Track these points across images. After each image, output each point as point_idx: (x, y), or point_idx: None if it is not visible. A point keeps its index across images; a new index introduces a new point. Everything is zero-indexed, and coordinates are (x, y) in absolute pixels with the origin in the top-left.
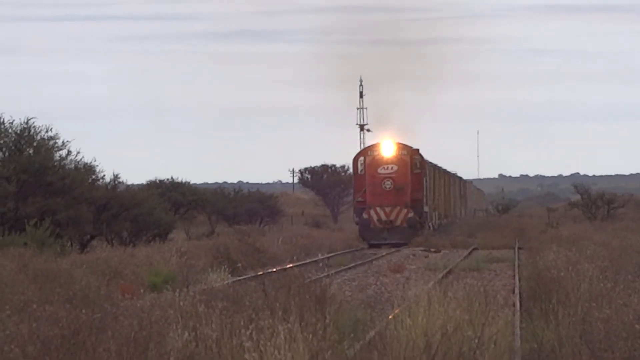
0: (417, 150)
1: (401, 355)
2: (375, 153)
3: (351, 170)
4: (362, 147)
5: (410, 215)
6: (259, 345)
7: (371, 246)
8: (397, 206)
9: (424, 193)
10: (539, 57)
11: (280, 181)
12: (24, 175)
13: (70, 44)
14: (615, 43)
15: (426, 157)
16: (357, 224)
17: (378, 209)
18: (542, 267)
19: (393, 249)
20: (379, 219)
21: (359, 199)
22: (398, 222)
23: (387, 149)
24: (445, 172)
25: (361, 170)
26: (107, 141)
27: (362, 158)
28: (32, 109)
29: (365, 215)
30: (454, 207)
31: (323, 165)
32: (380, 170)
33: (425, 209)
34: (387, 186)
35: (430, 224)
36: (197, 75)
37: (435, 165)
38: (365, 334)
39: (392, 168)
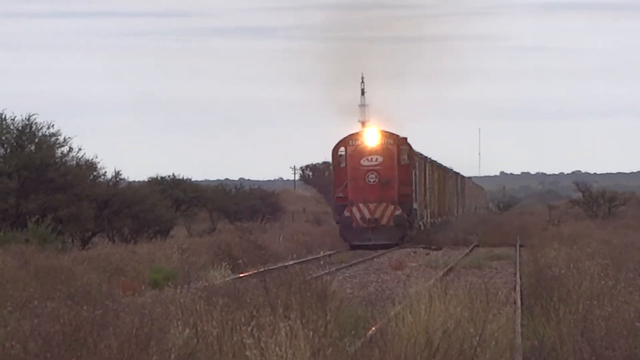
0: (405, 139)
1: (402, 352)
2: (358, 142)
3: None
4: None
5: (398, 212)
6: (260, 342)
7: (353, 248)
8: (382, 202)
9: (413, 188)
10: (541, 54)
11: (281, 178)
12: (26, 172)
13: (71, 39)
14: (619, 40)
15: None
16: (337, 222)
17: (361, 205)
18: (543, 264)
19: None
20: (363, 217)
21: (340, 195)
22: (384, 221)
23: (371, 138)
24: (439, 166)
25: (342, 162)
26: (109, 138)
27: (342, 148)
28: (34, 105)
29: (346, 213)
30: (450, 204)
31: (324, 162)
32: (364, 162)
33: (415, 206)
34: (372, 180)
35: (420, 223)
36: (199, 72)
37: (427, 158)
38: (366, 331)
39: (376, 159)
